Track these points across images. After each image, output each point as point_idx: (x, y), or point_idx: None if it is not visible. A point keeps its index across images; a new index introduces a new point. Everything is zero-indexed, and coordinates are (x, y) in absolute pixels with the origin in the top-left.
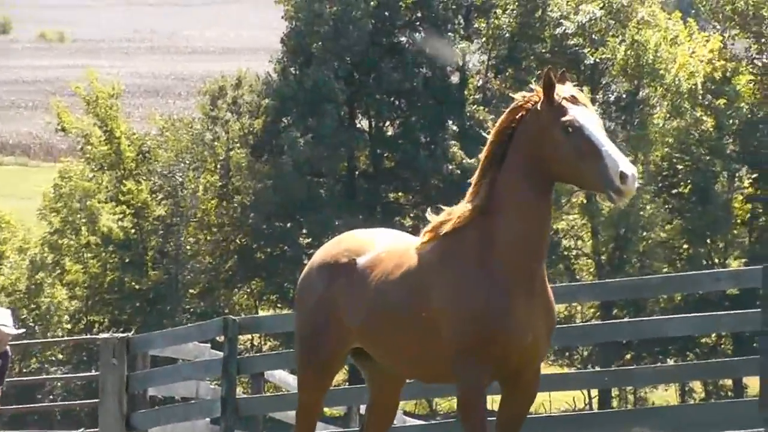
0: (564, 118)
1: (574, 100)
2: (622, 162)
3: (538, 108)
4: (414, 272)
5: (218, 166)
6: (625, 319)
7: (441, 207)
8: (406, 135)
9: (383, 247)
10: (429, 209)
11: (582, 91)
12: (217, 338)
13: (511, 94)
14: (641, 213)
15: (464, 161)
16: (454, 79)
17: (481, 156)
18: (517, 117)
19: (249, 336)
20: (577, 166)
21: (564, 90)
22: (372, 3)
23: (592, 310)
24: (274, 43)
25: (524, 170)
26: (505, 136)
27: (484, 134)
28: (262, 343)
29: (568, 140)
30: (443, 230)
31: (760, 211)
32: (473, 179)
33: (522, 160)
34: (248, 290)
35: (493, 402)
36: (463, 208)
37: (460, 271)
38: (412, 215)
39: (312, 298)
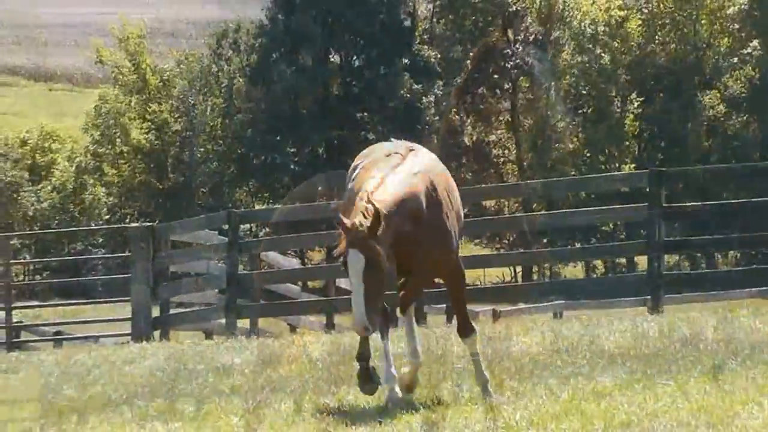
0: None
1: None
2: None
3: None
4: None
5: (222, 92)
6: (542, 212)
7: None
8: (368, 67)
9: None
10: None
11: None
12: (223, 227)
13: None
14: (555, 126)
15: (413, 87)
16: (406, 23)
17: None
18: None
19: (248, 225)
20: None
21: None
22: None
23: (516, 205)
24: None
25: None
26: None
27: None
28: (258, 230)
29: None
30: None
31: (646, 126)
32: None
33: None
34: (247, 189)
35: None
36: None
37: None
38: (373, 130)
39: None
